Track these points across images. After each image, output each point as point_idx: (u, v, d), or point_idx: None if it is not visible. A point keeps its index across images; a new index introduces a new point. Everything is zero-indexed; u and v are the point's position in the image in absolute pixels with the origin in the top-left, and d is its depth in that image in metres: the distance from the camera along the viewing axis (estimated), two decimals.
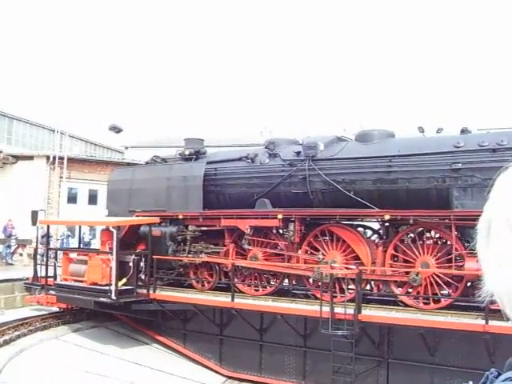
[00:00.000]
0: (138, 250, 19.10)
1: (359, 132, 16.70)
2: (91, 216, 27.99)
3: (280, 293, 16.93)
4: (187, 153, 19.46)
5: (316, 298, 15.46)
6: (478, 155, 13.93)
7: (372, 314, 14.58)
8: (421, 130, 16.47)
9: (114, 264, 17.30)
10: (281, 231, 17.07)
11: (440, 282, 14.04)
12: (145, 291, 17.98)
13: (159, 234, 18.41)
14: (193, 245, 18.04)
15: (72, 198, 35.42)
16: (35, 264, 20.99)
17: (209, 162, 18.55)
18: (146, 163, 21.13)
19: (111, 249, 17.87)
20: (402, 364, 14.78)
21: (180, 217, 18.27)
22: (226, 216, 17.29)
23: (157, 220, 18.86)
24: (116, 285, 17.15)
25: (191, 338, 18.69)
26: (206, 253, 17.82)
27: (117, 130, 43.01)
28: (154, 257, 18.13)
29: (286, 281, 17.29)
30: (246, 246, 16.95)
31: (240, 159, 18.13)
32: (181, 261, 18.03)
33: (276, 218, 16.24)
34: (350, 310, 14.13)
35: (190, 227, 18.15)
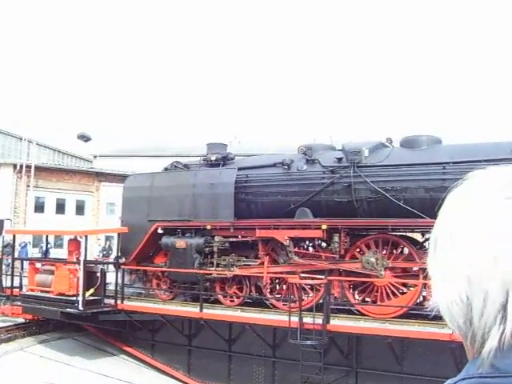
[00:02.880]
0: (157, 262, 18.78)
1: (404, 137, 15.91)
2: (59, 225, 27.68)
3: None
4: (213, 158, 18.28)
5: (362, 314, 15.04)
6: None
7: (340, 323, 14.63)
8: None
9: (81, 274, 17.10)
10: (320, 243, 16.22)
11: None
12: (112, 301, 17.81)
13: (184, 246, 17.44)
14: (223, 257, 17.09)
15: (39, 207, 34.98)
16: (0, 274, 20.66)
17: (240, 168, 17.52)
18: (166, 169, 19.87)
19: (78, 259, 17.68)
20: (371, 373, 14.80)
21: (208, 227, 17.25)
22: (261, 226, 16.35)
23: (125, 229, 18.66)
24: (83, 295, 16.95)
25: (159, 349, 18.51)
26: (238, 266, 16.92)
27: (85, 138, 42.70)
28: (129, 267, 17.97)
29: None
30: (295, 259, 15.79)
31: (274, 165, 17.08)
32: (208, 274, 17.06)
33: (319, 228, 15.34)
34: (319, 320, 14.18)
35: (217, 238, 17.16)
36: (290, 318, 14.21)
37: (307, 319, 14.30)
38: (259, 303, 17.21)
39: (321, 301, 15.45)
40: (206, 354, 17.41)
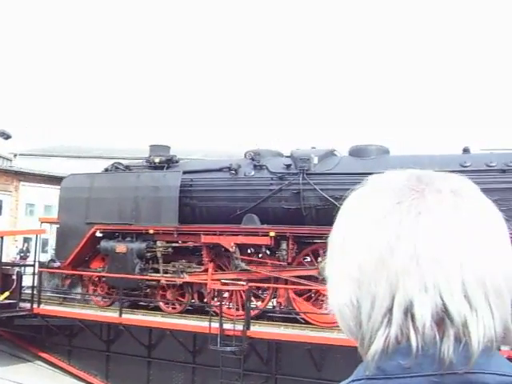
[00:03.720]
0: (93, 267, 18.02)
1: (353, 146, 15.95)
2: None
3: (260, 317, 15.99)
4: (157, 160, 17.63)
5: (308, 323, 14.90)
6: (486, 175, 13.74)
7: (261, 330, 14.66)
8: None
9: None
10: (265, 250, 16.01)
11: None
12: (28, 305, 17.26)
13: (124, 251, 16.78)
14: (172, 263, 16.56)
15: None
16: None
17: (185, 172, 17.01)
18: (106, 170, 19.01)
19: None
20: (290, 380, 14.88)
21: (150, 231, 16.69)
22: (206, 232, 15.94)
23: (43, 231, 18.13)
24: None
25: (76, 355, 18.00)
26: (189, 272, 16.41)
27: (5, 136, 41.27)
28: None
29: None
30: (243, 267, 15.50)
31: (221, 170, 16.69)
32: (150, 281, 16.66)
33: (267, 235, 15.12)
34: (240, 326, 14.17)
35: (159, 243, 16.65)
36: (210, 324, 14.15)
37: (228, 325, 14.26)
38: (202, 311, 16.69)
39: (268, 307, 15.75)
40: (124, 360, 17.08)
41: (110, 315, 16.47)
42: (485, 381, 0.87)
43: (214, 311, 15.60)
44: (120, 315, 15.96)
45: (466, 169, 13.99)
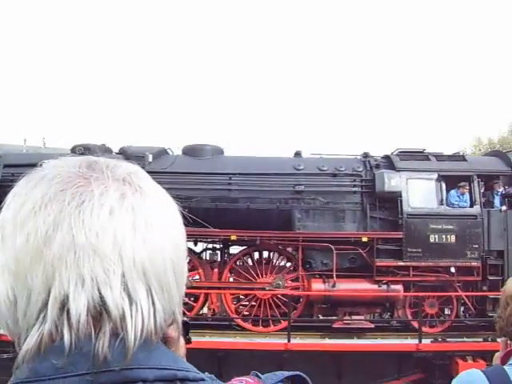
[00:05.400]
0: None
1: (187, 146, 15.96)
2: None
3: None
4: None
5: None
6: (319, 178, 14.86)
7: None
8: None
9: None
10: None
11: (273, 304, 14.36)
12: None
13: None
14: None
15: None
16: None
17: (5, 166, 15.30)
18: None
19: None
20: None
21: None
22: None
23: None
24: None
25: None
26: None
27: None
28: None
29: None
30: None
31: None
32: None
33: None
34: None
35: None
36: None
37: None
38: None
39: None
40: None
41: None
42: (143, 375, 0.84)
43: None
44: None
45: (299, 171, 14.99)
